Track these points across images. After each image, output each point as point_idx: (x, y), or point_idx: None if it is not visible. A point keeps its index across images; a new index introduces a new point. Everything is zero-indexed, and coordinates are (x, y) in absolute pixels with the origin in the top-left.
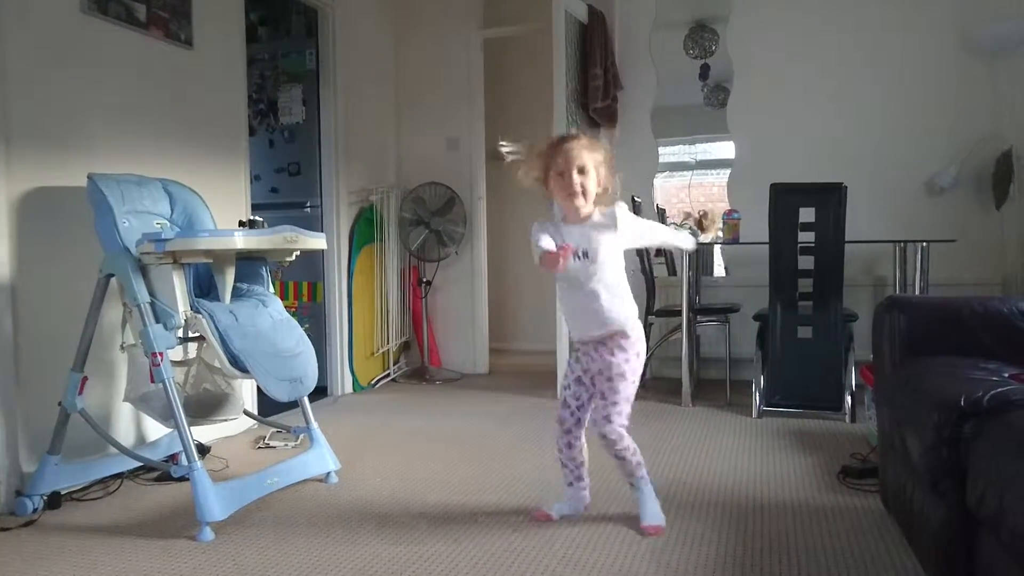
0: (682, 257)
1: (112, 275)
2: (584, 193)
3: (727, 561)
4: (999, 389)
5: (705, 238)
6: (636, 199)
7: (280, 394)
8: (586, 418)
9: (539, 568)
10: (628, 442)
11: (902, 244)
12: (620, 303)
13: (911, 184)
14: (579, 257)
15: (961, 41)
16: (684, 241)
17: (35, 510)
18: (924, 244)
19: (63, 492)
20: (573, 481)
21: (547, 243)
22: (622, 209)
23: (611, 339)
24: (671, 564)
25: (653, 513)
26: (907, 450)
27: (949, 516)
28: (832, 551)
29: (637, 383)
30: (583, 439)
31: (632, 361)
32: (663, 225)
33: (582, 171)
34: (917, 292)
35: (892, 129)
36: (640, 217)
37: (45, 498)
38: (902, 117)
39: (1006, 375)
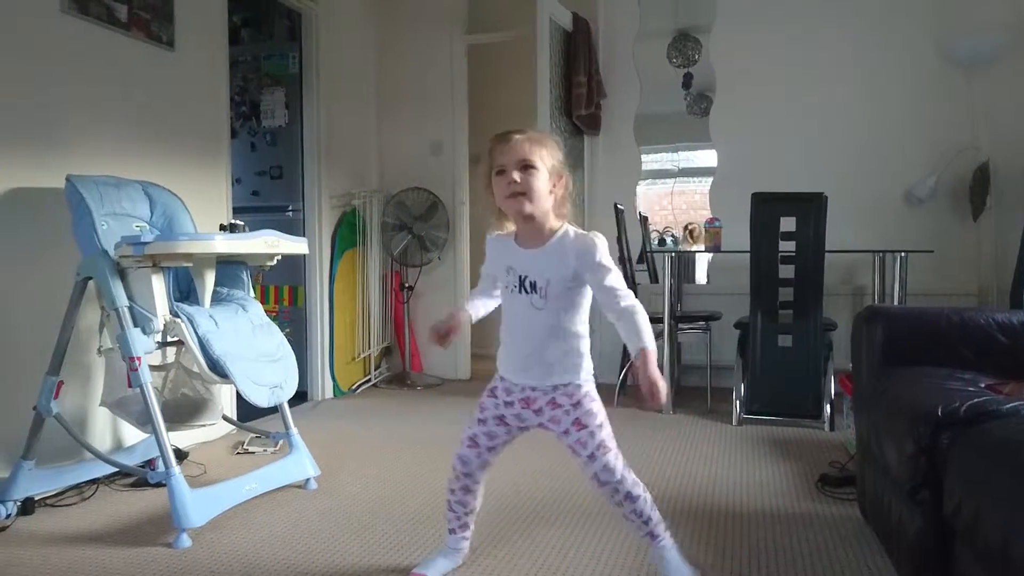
0: (664, 265)
1: (90, 278)
2: (528, 193)
3: (705, 569)
4: (976, 399)
5: (697, 247)
6: (619, 206)
7: (259, 399)
8: (495, 461)
9: (518, 574)
10: (639, 492)
11: (881, 254)
12: (570, 356)
13: (890, 195)
14: (525, 289)
15: (939, 54)
16: (649, 340)
17: (8, 516)
18: (902, 254)
19: (37, 498)
20: (457, 528)
21: (487, 265)
22: (601, 243)
23: (557, 388)
24: (650, 571)
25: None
26: (885, 459)
27: (926, 525)
28: (810, 559)
29: (606, 425)
30: (483, 484)
31: (584, 405)
32: (632, 299)
33: (525, 166)
34: (896, 302)
35: (871, 140)
36: (613, 267)
37: (18, 504)
38: (881, 128)
39: (982, 385)
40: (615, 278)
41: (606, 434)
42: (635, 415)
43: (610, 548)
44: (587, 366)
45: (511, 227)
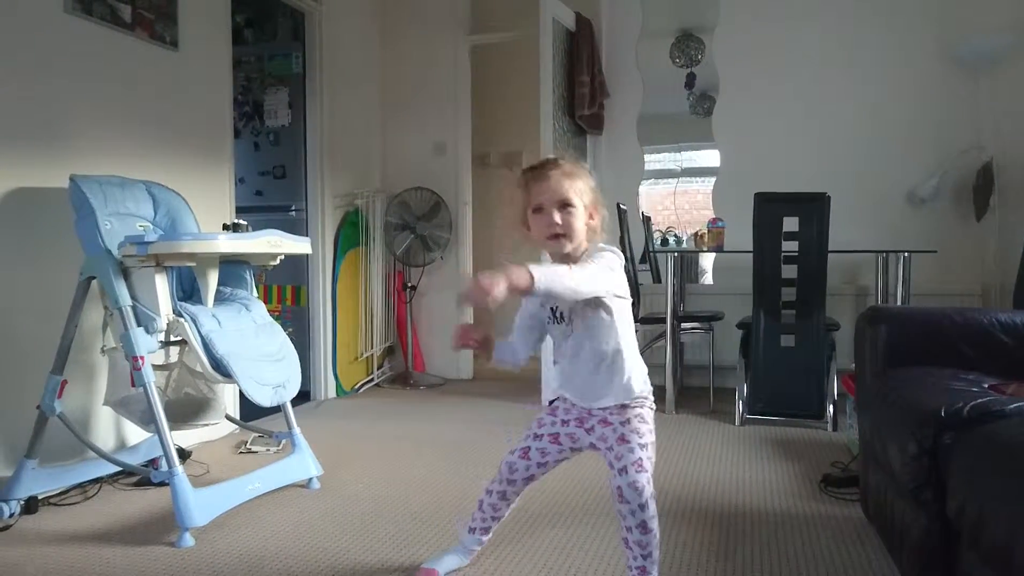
0: (667, 265)
1: (93, 277)
2: (569, 233)
3: (708, 569)
4: (979, 400)
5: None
6: (622, 206)
7: (262, 399)
8: (540, 477)
9: (520, 574)
10: (651, 514)
11: (884, 254)
12: (619, 374)
13: (893, 195)
14: (556, 320)
15: (944, 54)
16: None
17: (12, 515)
18: (906, 254)
19: (40, 497)
20: (479, 530)
21: (528, 306)
22: (608, 254)
23: (609, 411)
24: None
25: None
26: (888, 460)
27: (929, 526)
28: (813, 560)
29: (649, 448)
30: (520, 497)
31: (632, 423)
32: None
33: (565, 206)
34: (899, 302)
35: (875, 140)
36: (600, 264)
37: (22, 503)
38: (885, 128)
39: (986, 386)
40: (591, 265)
41: (646, 456)
42: None
43: (613, 548)
44: (639, 384)
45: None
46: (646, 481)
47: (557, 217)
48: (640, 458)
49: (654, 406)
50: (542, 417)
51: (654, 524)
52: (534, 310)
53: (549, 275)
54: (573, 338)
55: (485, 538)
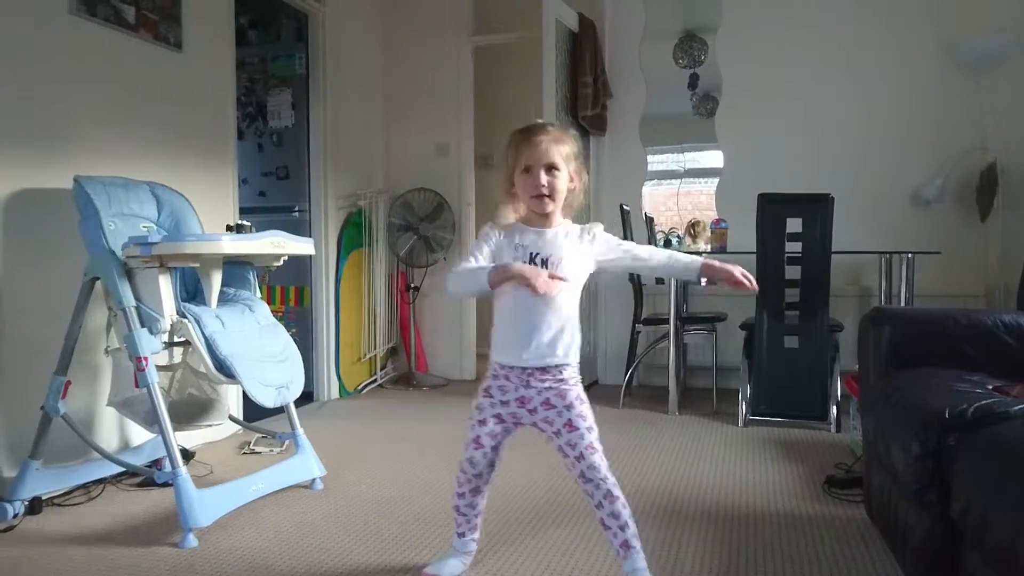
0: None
1: (97, 278)
2: (552, 194)
3: (710, 570)
4: (983, 401)
5: (697, 247)
6: (625, 207)
7: (266, 400)
8: (499, 458)
9: (522, 575)
10: (619, 493)
11: (888, 255)
12: (567, 334)
13: (897, 195)
14: (536, 264)
15: (947, 54)
16: (688, 259)
17: (15, 515)
18: (909, 255)
19: (44, 497)
20: (467, 531)
21: (485, 249)
22: (600, 228)
23: (550, 372)
24: (655, 573)
25: None
26: (892, 461)
27: (933, 527)
28: (816, 561)
29: (595, 428)
30: (489, 484)
31: (572, 396)
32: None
33: (551, 169)
34: (902, 303)
35: (878, 141)
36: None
37: (26, 503)
38: (889, 129)
39: (990, 387)
40: (621, 241)
41: (594, 436)
42: (640, 417)
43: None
44: (577, 350)
45: (511, 219)
46: (600, 459)
47: (543, 178)
48: (590, 442)
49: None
50: (479, 402)
51: (618, 491)
52: (494, 252)
53: (682, 255)
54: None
55: (475, 535)
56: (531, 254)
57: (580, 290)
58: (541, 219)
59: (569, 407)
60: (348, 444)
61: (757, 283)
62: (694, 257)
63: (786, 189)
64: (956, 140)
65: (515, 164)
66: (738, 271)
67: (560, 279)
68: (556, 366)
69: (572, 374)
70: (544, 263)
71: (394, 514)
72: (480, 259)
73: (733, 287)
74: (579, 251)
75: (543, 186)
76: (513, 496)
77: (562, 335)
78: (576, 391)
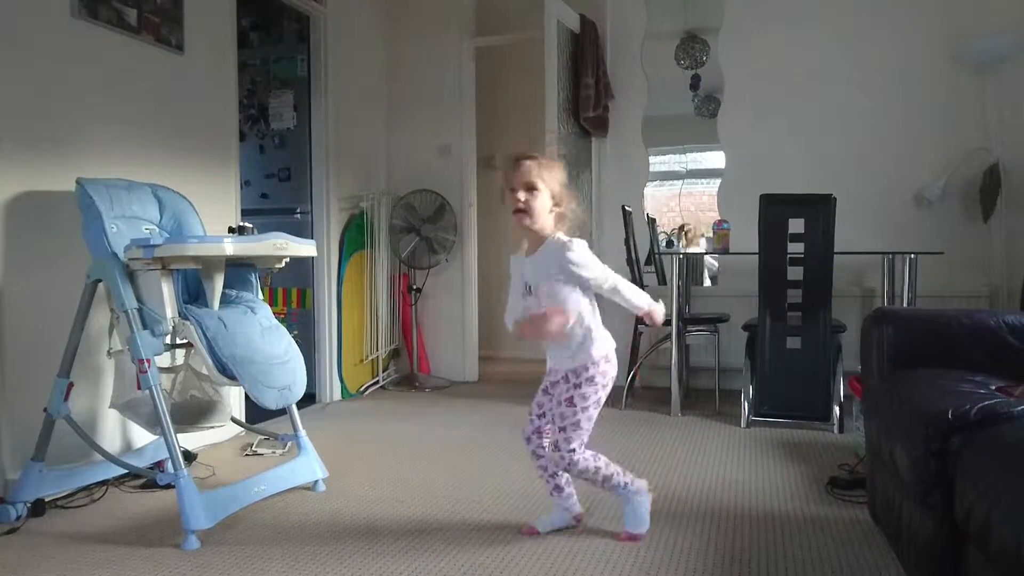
0: (672, 266)
1: (100, 280)
2: (529, 212)
3: (713, 571)
4: (987, 402)
5: (690, 249)
6: (627, 208)
7: (268, 401)
8: (545, 429)
9: None
10: (584, 464)
11: (890, 256)
12: (569, 341)
13: (900, 196)
14: (528, 291)
15: (950, 54)
16: (640, 301)
17: (19, 517)
18: (912, 256)
19: (47, 499)
20: (553, 491)
21: (513, 283)
22: (578, 247)
23: (568, 372)
24: (658, 573)
25: (633, 521)
26: (895, 462)
27: (937, 529)
28: (820, 562)
29: (591, 410)
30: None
31: (583, 387)
32: (622, 279)
33: (530, 188)
34: (905, 304)
35: (881, 141)
36: (598, 263)
37: (29, 505)
38: (891, 129)
39: (993, 388)
40: (591, 271)
41: (585, 418)
42: (643, 418)
43: (618, 551)
44: (598, 348)
45: (523, 246)
46: (566, 453)
47: (522, 196)
48: (577, 420)
49: (608, 362)
50: (539, 399)
51: (587, 475)
52: (517, 284)
53: (635, 295)
54: (538, 307)
55: (565, 492)
56: (525, 283)
57: (568, 300)
58: (534, 243)
59: (578, 385)
60: (350, 446)
61: (760, 284)
62: (640, 302)
63: (788, 190)
64: (959, 140)
65: (506, 187)
66: (658, 315)
67: (558, 313)
68: (576, 368)
69: (588, 367)
70: (529, 289)
71: (397, 516)
72: (513, 292)
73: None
74: (555, 269)
75: (521, 202)
76: (513, 496)
77: (568, 342)
78: (591, 372)
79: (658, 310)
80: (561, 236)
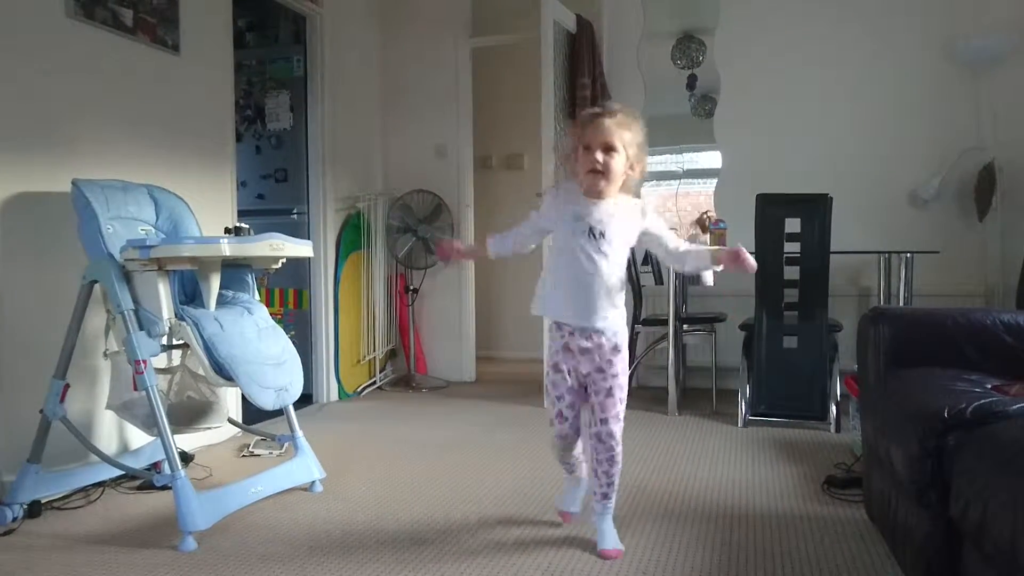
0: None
1: (96, 281)
2: (607, 173)
3: (710, 570)
4: (982, 401)
5: (707, 240)
6: None
7: (265, 402)
8: (580, 424)
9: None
10: (621, 448)
11: (886, 255)
12: (613, 299)
13: (895, 195)
14: (593, 236)
15: (945, 54)
16: (707, 251)
17: (15, 519)
18: (908, 255)
19: (43, 501)
20: (575, 469)
21: (543, 213)
22: (652, 207)
23: (598, 334)
24: (655, 573)
25: (614, 539)
26: (891, 461)
27: (933, 527)
28: (816, 561)
29: (622, 377)
30: (581, 440)
31: (623, 361)
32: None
33: (609, 149)
34: (901, 303)
35: (876, 140)
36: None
37: (25, 507)
38: (886, 129)
39: (989, 386)
40: (671, 235)
41: (622, 406)
42: (640, 417)
43: None
44: (624, 312)
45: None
46: (618, 428)
47: (600, 156)
48: (619, 411)
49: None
50: (553, 369)
51: (620, 457)
52: (551, 222)
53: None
54: (606, 258)
55: (584, 466)
56: (589, 226)
57: (624, 261)
58: (598, 196)
59: (615, 376)
60: (347, 446)
61: (756, 283)
62: (711, 254)
63: (784, 189)
64: (954, 139)
65: (578, 142)
66: (734, 255)
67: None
68: (605, 329)
69: (617, 332)
70: (601, 235)
71: (394, 516)
72: (527, 223)
73: (736, 266)
74: (628, 224)
75: (599, 163)
76: (513, 496)
77: (609, 297)
78: (621, 353)
79: (744, 251)
80: (630, 198)
